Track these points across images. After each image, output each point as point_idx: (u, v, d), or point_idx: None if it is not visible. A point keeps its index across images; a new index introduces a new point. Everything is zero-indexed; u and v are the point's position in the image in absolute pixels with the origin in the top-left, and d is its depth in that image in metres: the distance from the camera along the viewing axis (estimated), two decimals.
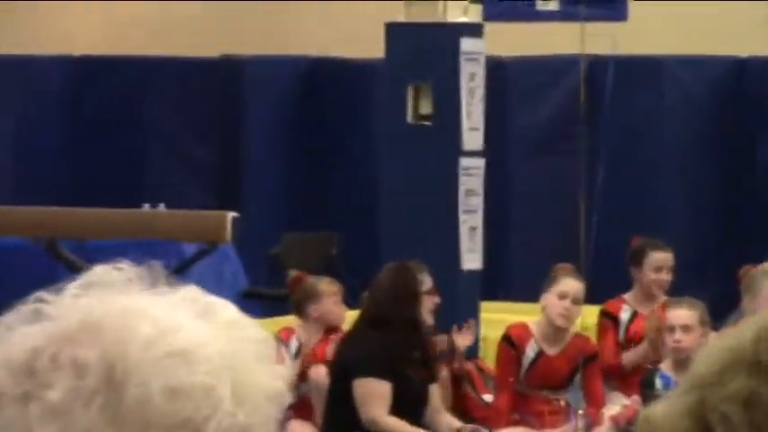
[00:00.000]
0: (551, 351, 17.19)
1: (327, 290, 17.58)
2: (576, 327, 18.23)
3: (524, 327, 17.91)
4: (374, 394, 15.43)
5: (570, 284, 17.74)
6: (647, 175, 24.37)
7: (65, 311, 2.49)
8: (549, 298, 17.92)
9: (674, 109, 25.30)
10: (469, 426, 15.75)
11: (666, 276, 17.86)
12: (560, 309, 17.62)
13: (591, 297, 18.72)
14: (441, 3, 17.74)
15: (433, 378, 16.40)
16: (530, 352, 17.20)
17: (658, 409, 2.79)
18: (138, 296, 2.54)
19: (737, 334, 2.86)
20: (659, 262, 17.77)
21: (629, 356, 17.45)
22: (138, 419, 2.44)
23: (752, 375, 2.71)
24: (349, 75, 20.55)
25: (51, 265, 16.21)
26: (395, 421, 15.74)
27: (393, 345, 15.88)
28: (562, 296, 17.58)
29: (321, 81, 22.61)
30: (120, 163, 25.60)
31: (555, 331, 17.59)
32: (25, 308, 2.53)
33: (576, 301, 17.73)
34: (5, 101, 25.83)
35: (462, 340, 16.61)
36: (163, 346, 2.44)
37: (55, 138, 26.90)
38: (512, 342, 17.52)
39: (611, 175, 24.20)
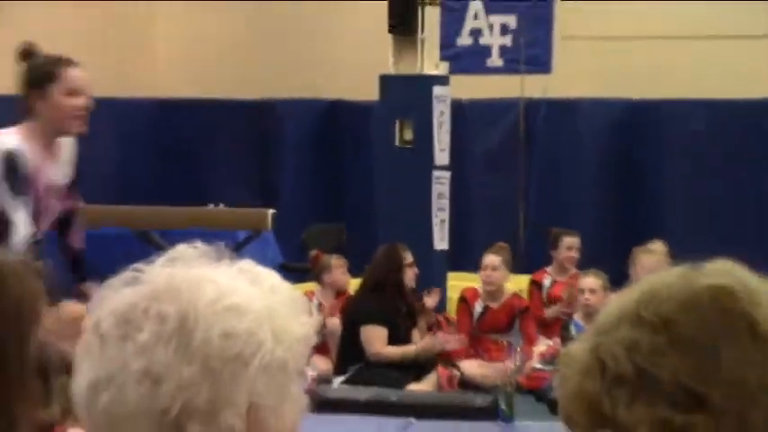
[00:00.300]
0: (494, 306, 17.63)
1: (336, 263, 17.61)
2: (511, 288, 18.47)
3: (474, 289, 18.37)
4: (375, 336, 15.43)
5: (488, 259, 18.05)
6: (567, 190, 23.98)
7: (154, 277, 2.66)
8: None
9: (587, 141, 24.73)
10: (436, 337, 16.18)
11: (575, 254, 18.50)
12: (483, 276, 18.04)
13: (526, 269, 19.59)
14: (419, 60, 18.28)
15: (414, 325, 16.85)
16: (478, 307, 17.66)
17: (573, 348, 2.71)
18: (206, 267, 2.71)
19: (626, 295, 2.73)
20: (570, 243, 18.43)
21: (551, 311, 18.00)
22: (202, 355, 2.58)
23: (634, 327, 2.59)
24: (356, 113, 20.83)
25: (144, 247, 16.33)
26: (391, 349, 16.11)
27: (386, 302, 16.23)
28: (483, 267, 17.95)
29: (336, 118, 23.08)
30: (193, 178, 25.06)
31: (491, 292, 17.93)
32: (126, 274, 2.71)
33: (494, 269, 17.94)
34: (108, 133, 24.24)
35: (431, 300, 16.88)
36: (221, 302, 2.61)
37: (144, 162, 25.55)
38: (465, 300, 18.03)
39: (541, 190, 23.99)
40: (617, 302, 2.73)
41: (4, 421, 3.33)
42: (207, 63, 26.80)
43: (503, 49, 19.87)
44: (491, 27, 19.64)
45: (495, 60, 19.84)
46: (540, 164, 23.88)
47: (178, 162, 23.59)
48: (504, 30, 19.66)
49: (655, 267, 15.65)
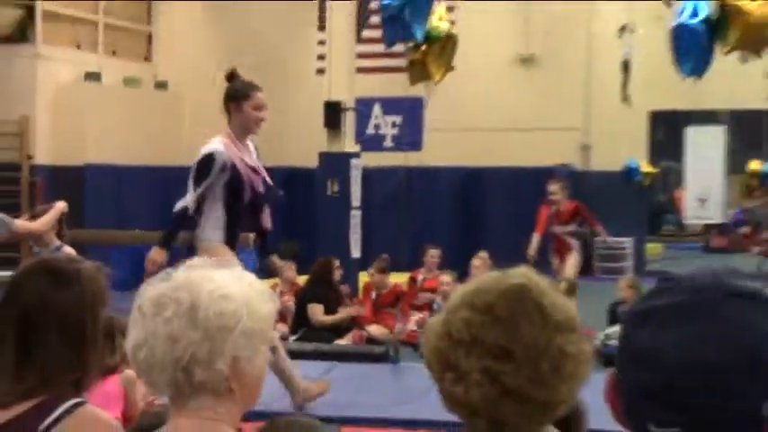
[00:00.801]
0: (383, 291, 16.57)
1: (287, 267, 16.37)
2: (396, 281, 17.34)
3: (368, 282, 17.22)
4: (316, 311, 14.91)
5: (375, 266, 16.87)
6: (430, 221, 22.82)
7: (176, 277, 2.81)
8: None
9: (444, 191, 23.99)
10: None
11: (437, 260, 17.24)
12: (368, 275, 17.17)
13: (408, 269, 18.37)
14: (343, 143, 17.86)
15: (340, 304, 16.19)
16: (374, 293, 16.72)
17: (432, 320, 2.72)
18: (209, 271, 2.87)
19: (464, 288, 2.69)
20: (433, 254, 17.19)
21: (423, 297, 16.75)
22: (203, 325, 2.72)
23: (469, 309, 2.60)
24: (306, 174, 20.38)
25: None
26: (325, 318, 15.47)
27: (323, 290, 15.98)
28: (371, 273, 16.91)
29: (295, 177, 21.85)
30: None
31: (379, 282, 16.69)
32: (160, 274, 2.86)
33: (380, 271, 16.76)
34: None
35: (353, 310, 16.18)
36: (216, 293, 2.78)
37: None
38: (367, 288, 17.14)
39: (416, 221, 22.90)
40: (459, 292, 2.70)
41: (83, 365, 3.30)
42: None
43: (393, 136, 19.73)
44: (386, 123, 19.55)
45: (388, 143, 19.62)
46: (415, 205, 22.76)
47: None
48: (394, 124, 19.53)
49: (482, 270, 15.24)
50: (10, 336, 3.27)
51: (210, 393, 2.76)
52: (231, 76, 10.67)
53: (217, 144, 9.67)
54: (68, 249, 11.50)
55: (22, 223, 9.83)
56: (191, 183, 9.58)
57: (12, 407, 3.17)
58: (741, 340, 1.72)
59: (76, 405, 3.18)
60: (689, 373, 1.70)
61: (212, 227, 9.49)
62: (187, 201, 9.52)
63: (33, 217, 10.42)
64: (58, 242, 11.62)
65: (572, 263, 16.95)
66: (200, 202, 9.51)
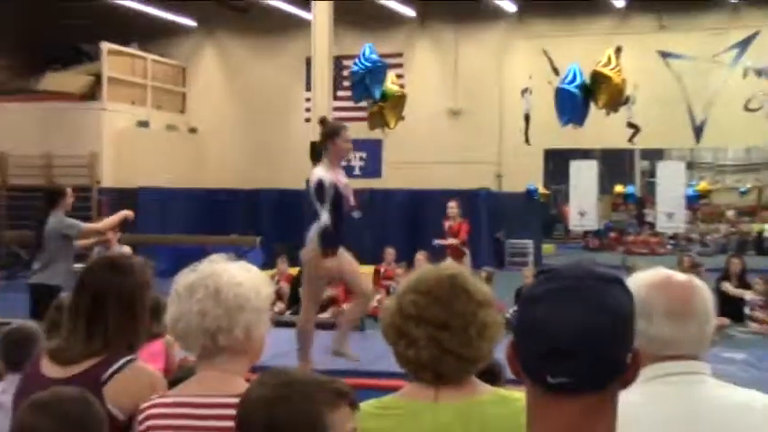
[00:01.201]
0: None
1: (281, 261, 16.44)
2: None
3: None
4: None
5: None
6: (382, 230, 22.14)
7: (202, 269, 2.86)
8: None
9: (393, 206, 23.10)
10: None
11: (392, 256, 17.13)
12: None
13: (373, 262, 17.33)
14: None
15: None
16: None
17: (388, 301, 2.71)
18: (226, 264, 2.88)
19: (412, 276, 2.75)
20: (389, 253, 17.08)
21: (383, 283, 16.26)
22: (224, 304, 2.74)
23: (415, 293, 2.60)
24: (296, 195, 20.06)
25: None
26: None
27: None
28: None
29: (287, 197, 21.64)
30: (236, 227, 25.02)
31: None
32: (191, 266, 2.89)
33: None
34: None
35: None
36: (233, 280, 2.80)
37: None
38: None
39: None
40: (407, 280, 2.72)
41: (135, 332, 3.32)
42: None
43: (360, 167, 19.62)
44: (355, 157, 19.43)
45: (357, 172, 19.37)
46: (376, 217, 22.40)
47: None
48: (361, 158, 19.45)
49: (422, 263, 15.21)
50: (83, 311, 3.27)
51: (229, 353, 2.81)
52: (322, 121, 10.72)
53: (321, 171, 9.35)
54: (126, 249, 11.50)
55: (88, 225, 10.00)
56: (317, 204, 9.30)
57: (82, 362, 3.17)
58: (607, 310, 1.75)
59: (130, 360, 3.19)
60: (572, 336, 1.72)
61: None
62: (325, 219, 9.24)
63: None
64: (117, 246, 11.63)
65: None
66: (319, 217, 9.28)
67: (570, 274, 1.83)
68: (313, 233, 9.46)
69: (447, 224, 16.74)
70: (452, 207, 16.79)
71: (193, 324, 2.78)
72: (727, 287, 14.14)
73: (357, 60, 17.75)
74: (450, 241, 16.21)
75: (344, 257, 9.71)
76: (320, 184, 9.23)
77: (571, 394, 1.75)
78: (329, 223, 9.28)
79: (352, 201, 9.76)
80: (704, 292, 2.66)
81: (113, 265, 3.38)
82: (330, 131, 9.68)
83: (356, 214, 10.51)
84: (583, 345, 1.75)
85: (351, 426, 2.13)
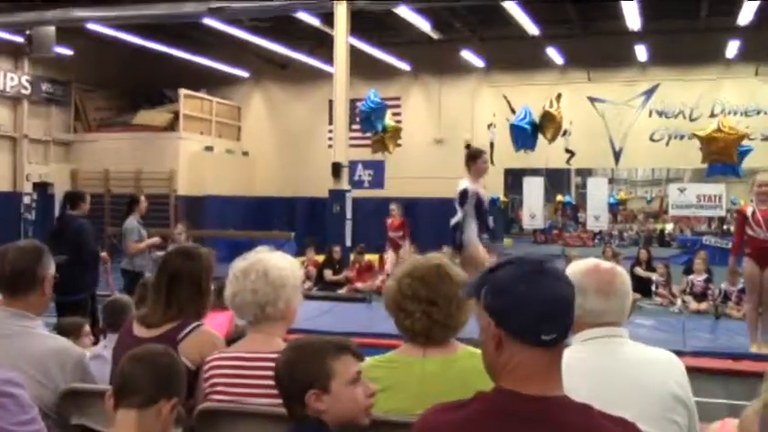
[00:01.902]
0: (363, 263, 16.11)
1: (310, 250, 16.68)
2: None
3: (355, 258, 16.46)
4: (328, 273, 15.09)
5: (357, 250, 16.49)
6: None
7: (252, 256, 2.82)
8: None
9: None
10: None
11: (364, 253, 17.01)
12: (355, 254, 16.57)
13: (377, 251, 17.85)
14: (343, 183, 17.71)
15: (340, 270, 15.75)
16: (357, 264, 16.06)
17: (389, 282, 2.75)
18: (270, 254, 2.87)
19: (406, 264, 2.75)
20: (360, 249, 16.77)
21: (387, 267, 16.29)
22: (271, 283, 2.75)
23: (409, 277, 2.56)
24: (321, 202, 20.00)
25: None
26: (334, 277, 15.24)
27: (332, 262, 15.76)
28: (356, 253, 16.45)
29: (316, 203, 21.59)
30: (278, 224, 24.82)
31: (360, 258, 16.34)
32: (243, 255, 2.88)
33: (359, 253, 16.32)
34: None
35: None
36: (277, 265, 2.80)
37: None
38: (354, 261, 16.32)
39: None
40: (403, 266, 2.73)
41: (202, 304, 3.28)
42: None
43: (368, 181, 19.49)
44: (364, 173, 19.33)
45: (366, 185, 19.32)
46: (380, 217, 22.63)
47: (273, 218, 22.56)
48: (369, 175, 19.28)
49: (407, 256, 15.06)
50: (163, 288, 3.24)
51: (273, 320, 2.83)
52: (468, 146, 10.64)
53: (466, 182, 9.16)
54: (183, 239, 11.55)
55: (137, 245, 9.95)
56: (458, 206, 9.06)
57: (162, 326, 3.15)
58: (569, 282, 1.86)
59: (198, 326, 3.17)
60: (551, 304, 1.79)
61: (471, 231, 8.97)
62: (458, 217, 9.00)
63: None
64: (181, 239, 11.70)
65: (401, 254, 16.33)
66: (462, 218, 9.01)
67: (532, 260, 1.87)
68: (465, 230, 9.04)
69: (389, 221, 16.77)
70: (393, 209, 16.93)
71: (248, 298, 2.81)
72: (639, 271, 14.17)
73: (364, 102, 17.77)
74: (391, 235, 16.66)
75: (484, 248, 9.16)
76: (464, 192, 9.05)
77: (554, 346, 1.81)
78: (459, 220, 8.99)
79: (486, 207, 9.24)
80: (623, 275, 2.69)
81: (186, 253, 3.35)
82: (472, 154, 9.41)
83: (490, 222, 9.76)
84: (563, 308, 1.82)
85: (354, 369, 2.17)
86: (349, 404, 2.19)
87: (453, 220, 9.14)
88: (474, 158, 9.23)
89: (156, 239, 10.49)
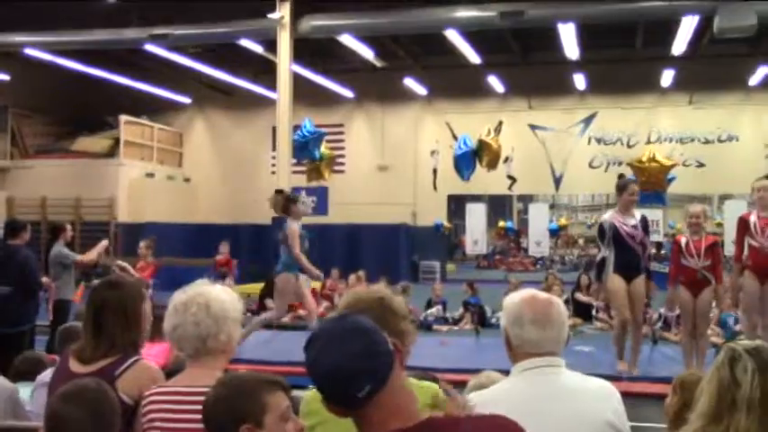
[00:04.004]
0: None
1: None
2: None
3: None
4: (269, 302, 15.04)
5: None
6: (332, 253, 22.00)
7: (194, 289, 2.78)
8: None
9: (333, 237, 23.07)
10: None
11: (337, 274, 16.79)
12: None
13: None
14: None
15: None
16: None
17: (333, 314, 2.44)
18: (210, 286, 2.81)
19: (349, 296, 2.69)
20: (334, 273, 16.67)
21: (330, 294, 15.99)
22: (213, 316, 2.70)
23: (355, 308, 2.48)
24: (266, 228, 19.98)
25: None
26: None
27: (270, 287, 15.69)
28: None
29: (262, 231, 21.51)
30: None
31: None
32: (185, 287, 2.82)
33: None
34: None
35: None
36: (217, 298, 2.75)
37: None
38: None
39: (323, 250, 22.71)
40: (346, 298, 2.66)
41: (132, 335, 3.18)
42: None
43: (312, 207, 19.43)
44: (308, 200, 19.22)
45: (310, 211, 19.36)
46: (324, 244, 22.51)
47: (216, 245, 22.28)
48: (313, 201, 19.11)
49: (356, 282, 15.06)
50: (89, 320, 3.19)
51: (213, 353, 2.79)
52: (621, 176, 10.41)
53: (607, 215, 9.03)
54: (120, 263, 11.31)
55: (80, 256, 9.68)
56: (599, 242, 8.97)
57: (95, 363, 3.08)
58: (357, 332, 1.80)
59: (137, 360, 3.11)
60: (343, 365, 1.74)
61: (609, 264, 8.81)
62: (603, 253, 8.82)
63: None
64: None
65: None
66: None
67: (321, 334, 1.80)
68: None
69: (217, 258, 17.11)
70: (224, 245, 16.96)
71: (189, 331, 2.75)
72: (579, 296, 14.28)
73: (298, 131, 17.86)
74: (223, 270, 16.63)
75: (632, 286, 8.80)
76: (601, 227, 8.94)
77: (379, 391, 1.75)
78: (602, 257, 8.86)
79: (638, 240, 8.81)
80: (560, 305, 2.72)
81: (110, 284, 3.29)
82: (620, 186, 9.15)
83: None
84: (363, 362, 1.75)
85: (285, 404, 2.17)
86: None
87: (599, 256, 9.06)
88: (621, 190, 9.01)
89: (105, 243, 10.25)
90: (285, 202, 10.22)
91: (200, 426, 2.51)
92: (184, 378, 2.78)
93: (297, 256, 9.74)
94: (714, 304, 9.63)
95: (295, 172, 18.75)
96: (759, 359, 2.35)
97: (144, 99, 25.27)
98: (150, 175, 24.91)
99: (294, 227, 9.69)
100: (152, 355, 3.92)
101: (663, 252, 20.87)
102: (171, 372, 3.14)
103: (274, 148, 19.82)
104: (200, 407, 2.52)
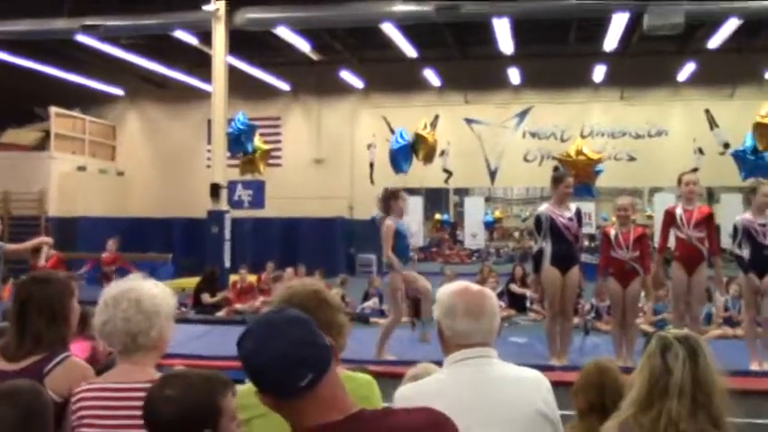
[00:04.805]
0: (244, 284, 15.50)
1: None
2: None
3: (235, 279, 15.90)
4: (205, 296, 14.82)
5: (240, 271, 15.91)
6: (267, 246, 22.12)
7: (124, 284, 2.73)
8: None
9: (277, 230, 23.11)
10: None
11: (272, 267, 16.52)
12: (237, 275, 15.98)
13: (256, 272, 17.22)
14: (221, 204, 17.41)
15: (217, 292, 15.29)
16: (238, 285, 15.53)
17: (268, 306, 2.67)
18: (141, 281, 2.78)
19: (284, 290, 2.68)
20: (269, 265, 16.58)
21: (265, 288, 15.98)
22: (144, 311, 2.67)
23: (289, 305, 2.19)
24: (201, 222, 19.59)
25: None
26: (211, 299, 14.82)
27: (209, 284, 15.47)
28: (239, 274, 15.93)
29: (195, 224, 21.18)
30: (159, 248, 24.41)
31: (242, 279, 15.79)
32: (117, 281, 2.82)
33: (242, 274, 15.88)
34: None
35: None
36: (149, 293, 2.71)
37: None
38: (234, 283, 15.86)
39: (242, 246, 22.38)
40: (280, 292, 2.65)
41: (60, 332, 3.11)
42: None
43: (248, 201, 19.17)
44: (244, 194, 19.03)
45: (246, 205, 19.03)
46: (259, 238, 22.54)
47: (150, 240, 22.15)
48: (249, 195, 18.99)
49: (292, 275, 14.77)
50: (14, 316, 3.11)
51: (144, 349, 2.73)
52: (556, 169, 10.22)
53: (542, 207, 8.99)
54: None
55: (11, 246, 9.41)
56: (535, 234, 8.86)
57: (22, 360, 3.01)
58: (297, 323, 1.83)
59: (66, 357, 3.04)
60: (289, 353, 1.75)
61: (545, 256, 8.75)
62: (540, 244, 8.77)
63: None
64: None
65: None
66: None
67: (262, 323, 1.80)
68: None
69: (102, 255, 16.75)
70: (112, 241, 16.80)
71: (119, 327, 2.70)
72: (514, 288, 14.48)
73: (233, 123, 17.74)
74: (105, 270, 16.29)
75: (567, 277, 8.79)
76: (538, 218, 8.88)
77: (318, 382, 1.76)
78: (539, 248, 8.81)
79: (573, 232, 8.78)
80: (492, 297, 2.77)
81: (35, 279, 3.21)
82: (556, 179, 9.13)
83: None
84: (307, 351, 1.78)
85: (234, 404, 2.14)
86: None
87: (535, 248, 9.03)
88: (557, 183, 9.01)
89: (46, 239, 9.97)
90: (386, 199, 9.58)
91: (133, 422, 2.49)
92: (115, 374, 2.74)
93: (388, 258, 9.27)
94: (643, 295, 9.83)
95: (231, 165, 18.58)
96: (689, 347, 2.45)
97: (76, 91, 24.72)
98: (82, 168, 24.46)
99: (390, 224, 9.22)
100: (80, 351, 3.83)
101: (594, 244, 21.26)
102: (101, 369, 3.09)
103: (210, 142, 19.57)
104: (132, 403, 2.52)
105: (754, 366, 8.36)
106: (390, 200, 9.40)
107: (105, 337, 2.80)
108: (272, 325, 1.77)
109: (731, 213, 9.64)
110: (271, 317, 1.83)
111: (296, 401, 1.74)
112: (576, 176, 16.21)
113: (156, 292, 2.78)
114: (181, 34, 19.02)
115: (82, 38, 18.71)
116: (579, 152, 17.39)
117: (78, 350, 4.23)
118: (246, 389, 2.44)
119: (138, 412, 2.41)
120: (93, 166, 25.14)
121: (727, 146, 19.21)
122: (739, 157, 17.01)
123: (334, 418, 1.75)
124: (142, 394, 2.33)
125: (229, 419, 2.11)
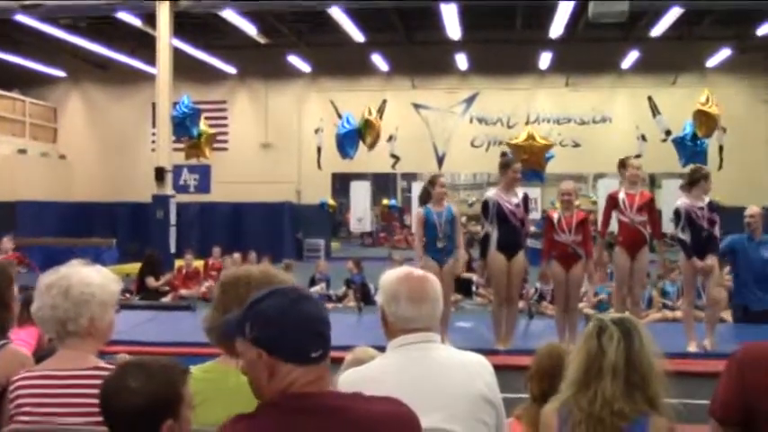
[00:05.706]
0: (190, 270, 15.39)
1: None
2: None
3: (181, 264, 15.85)
4: (150, 280, 14.77)
5: (186, 256, 15.80)
6: (214, 231, 21.69)
7: (61, 270, 2.70)
8: None
9: (223, 215, 23.02)
10: None
11: (219, 252, 16.29)
12: (183, 261, 15.79)
13: (203, 257, 17.12)
14: (166, 188, 17.42)
15: (161, 276, 15.20)
16: (184, 270, 15.45)
17: (215, 290, 2.71)
18: (80, 267, 2.75)
19: (228, 275, 2.68)
20: (216, 250, 16.28)
21: (212, 274, 15.12)
22: (73, 299, 2.66)
23: (234, 287, 2.53)
24: (146, 207, 19.29)
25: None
26: (156, 283, 14.63)
27: (152, 268, 15.36)
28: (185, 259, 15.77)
29: (141, 209, 20.97)
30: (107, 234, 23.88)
31: (188, 264, 15.72)
32: (55, 268, 2.77)
33: (188, 259, 15.75)
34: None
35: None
36: (83, 281, 2.68)
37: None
38: (179, 268, 15.74)
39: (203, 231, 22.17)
40: (226, 277, 2.63)
41: (2, 320, 3.07)
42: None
43: (194, 186, 19.14)
44: (190, 178, 18.96)
45: (192, 189, 18.94)
46: (205, 222, 22.33)
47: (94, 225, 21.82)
48: (195, 179, 18.97)
49: (239, 261, 14.79)
50: None
51: (78, 336, 2.70)
52: (503, 155, 10.06)
53: (489, 192, 8.90)
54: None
55: None
56: (483, 219, 8.80)
57: None
58: (319, 304, 1.99)
59: (5, 344, 2.99)
60: (314, 324, 1.90)
61: (492, 241, 8.70)
62: (487, 229, 8.70)
63: None
64: None
65: None
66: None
67: (289, 290, 1.97)
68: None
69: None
70: (6, 240, 15.99)
71: (48, 314, 2.70)
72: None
73: (177, 107, 17.55)
74: None
75: (513, 262, 8.80)
76: (485, 204, 8.81)
77: (322, 360, 1.90)
78: (485, 233, 8.78)
79: (519, 217, 8.76)
80: (435, 282, 2.75)
81: None
82: (504, 164, 9.04)
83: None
84: (324, 326, 1.91)
85: (191, 392, 2.16)
86: (186, 427, 2.15)
87: (482, 233, 9.01)
88: (505, 168, 8.94)
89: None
90: (426, 186, 9.39)
91: (73, 410, 2.49)
92: (54, 361, 2.71)
93: (415, 247, 9.32)
94: (586, 278, 9.94)
95: (176, 149, 18.38)
96: (624, 329, 2.53)
97: (15, 72, 24.22)
98: (22, 151, 24.06)
99: (419, 212, 9.09)
100: (21, 339, 3.76)
101: (540, 230, 21.51)
102: (41, 356, 3.05)
103: (154, 125, 19.31)
104: (72, 390, 2.52)
105: (692, 348, 8.53)
106: (428, 187, 9.26)
107: (40, 324, 2.79)
108: (299, 295, 1.93)
109: (672, 199, 9.81)
110: (295, 288, 1.99)
111: (295, 369, 1.86)
112: (527, 162, 16.40)
113: (90, 280, 2.74)
114: (123, 15, 18.69)
115: (21, 17, 18.28)
116: (530, 137, 17.53)
117: (28, 336, 4.18)
118: (194, 374, 2.45)
119: (79, 400, 2.44)
120: (33, 150, 24.70)
121: (668, 133, 19.54)
122: (679, 143, 17.36)
123: (313, 390, 1.88)
124: (83, 381, 2.37)
125: (187, 406, 2.14)
